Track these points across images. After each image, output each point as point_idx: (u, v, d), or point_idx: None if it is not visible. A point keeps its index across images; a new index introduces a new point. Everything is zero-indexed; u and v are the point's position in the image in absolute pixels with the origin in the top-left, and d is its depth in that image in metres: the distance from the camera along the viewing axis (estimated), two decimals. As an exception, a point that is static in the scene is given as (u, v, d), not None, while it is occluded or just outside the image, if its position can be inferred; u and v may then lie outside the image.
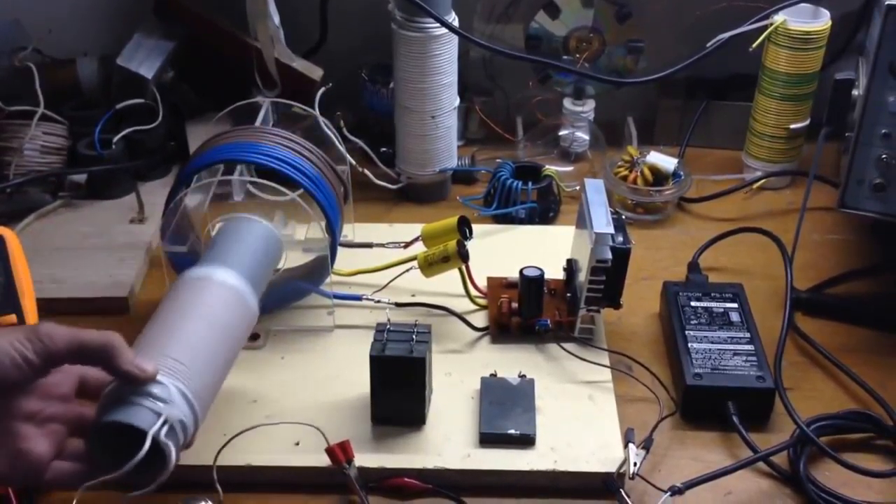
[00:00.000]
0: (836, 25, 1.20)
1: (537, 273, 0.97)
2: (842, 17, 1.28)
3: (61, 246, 1.13)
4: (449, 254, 0.98)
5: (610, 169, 1.22)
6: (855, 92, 1.08)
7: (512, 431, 0.87)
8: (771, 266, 1.08)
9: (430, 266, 0.99)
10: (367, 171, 1.22)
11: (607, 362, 0.96)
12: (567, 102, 1.33)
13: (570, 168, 1.29)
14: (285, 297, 1.01)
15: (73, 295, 1.05)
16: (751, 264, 1.12)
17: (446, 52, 1.15)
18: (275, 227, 0.94)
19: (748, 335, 0.96)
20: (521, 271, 0.98)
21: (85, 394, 0.75)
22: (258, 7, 1.21)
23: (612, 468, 0.85)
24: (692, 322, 0.98)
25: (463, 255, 0.98)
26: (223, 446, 0.85)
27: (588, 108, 1.33)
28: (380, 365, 0.86)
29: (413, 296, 1.03)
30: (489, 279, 1.04)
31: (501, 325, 1.00)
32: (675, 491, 0.82)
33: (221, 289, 0.82)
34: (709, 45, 1.21)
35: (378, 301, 1.01)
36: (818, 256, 1.13)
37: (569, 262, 1.02)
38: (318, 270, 1.00)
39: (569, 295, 1.00)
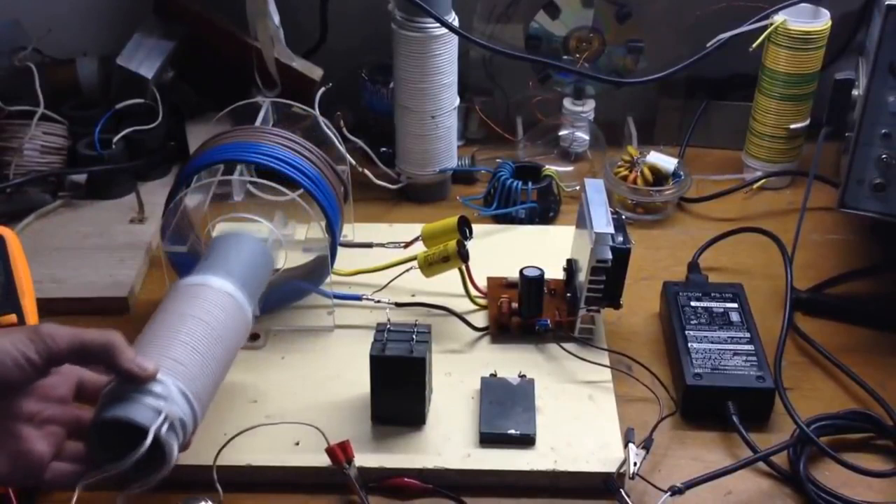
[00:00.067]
0: (836, 25, 1.20)
1: (537, 273, 0.97)
2: (842, 17, 1.28)
3: (61, 246, 1.13)
4: (449, 254, 0.97)
5: (610, 169, 1.22)
6: (855, 92, 1.08)
7: (512, 431, 0.87)
8: (771, 266, 1.08)
9: (430, 266, 0.99)
10: (367, 171, 1.22)
11: (607, 362, 0.96)
12: (567, 102, 1.33)
13: (570, 168, 1.29)
14: (285, 297, 1.01)
15: (73, 295, 1.05)
16: (751, 264, 1.12)
17: (446, 52, 1.15)
18: (266, 239, 0.94)
19: (748, 335, 0.96)
20: (521, 271, 0.98)
21: (82, 397, 0.75)
22: (258, 7, 1.21)
23: (612, 468, 0.85)
24: (692, 322, 0.98)
25: (463, 255, 0.98)
26: (223, 446, 0.85)
27: (588, 108, 1.33)
28: (380, 365, 0.86)
29: (413, 296, 1.03)
30: (489, 279, 1.04)
31: (501, 325, 1.00)
32: (675, 491, 0.82)
33: (218, 294, 0.83)
34: (709, 45, 1.21)
35: (378, 301, 1.01)
36: (818, 256, 1.13)
37: (569, 262, 1.02)
38: (318, 270, 1.00)
39: (569, 295, 1.00)
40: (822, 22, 1.18)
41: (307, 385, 0.93)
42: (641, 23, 1.31)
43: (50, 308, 0.93)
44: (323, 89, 1.15)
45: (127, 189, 1.22)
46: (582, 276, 0.95)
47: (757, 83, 1.24)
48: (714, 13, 1.27)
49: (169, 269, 0.96)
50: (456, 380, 0.94)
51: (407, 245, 1.04)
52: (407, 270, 1.01)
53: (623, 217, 0.97)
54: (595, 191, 0.97)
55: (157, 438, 0.70)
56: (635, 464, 0.82)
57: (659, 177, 1.21)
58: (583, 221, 0.96)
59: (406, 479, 0.84)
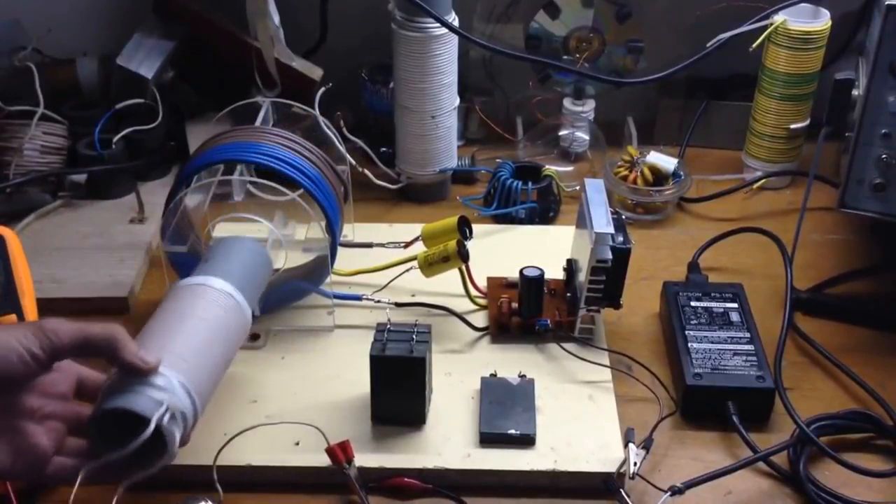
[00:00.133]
0: (836, 25, 1.20)
1: (537, 273, 0.97)
2: (842, 17, 1.28)
3: (61, 246, 1.13)
4: (449, 254, 0.97)
5: (610, 169, 1.22)
6: (855, 92, 1.08)
7: (512, 431, 0.87)
8: (771, 266, 1.08)
9: (430, 266, 0.99)
10: (367, 171, 1.22)
11: (607, 362, 0.96)
12: (567, 102, 1.33)
13: (570, 168, 1.29)
14: (285, 297, 1.01)
15: (73, 295, 1.05)
16: (751, 264, 1.12)
17: (446, 52, 1.15)
18: (266, 239, 0.94)
19: (748, 335, 0.96)
20: (521, 271, 0.98)
21: (82, 395, 0.76)
22: (258, 7, 1.21)
23: (612, 468, 0.85)
24: (692, 322, 0.98)
25: (463, 255, 0.98)
26: (223, 446, 0.85)
27: (588, 108, 1.33)
28: (380, 365, 0.86)
29: (413, 296, 1.03)
30: (489, 279, 1.04)
31: (501, 325, 1.00)
32: (675, 491, 0.82)
33: (219, 294, 0.83)
34: (709, 45, 1.21)
35: (378, 301, 1.01)
36: (818, 256, 1.13)
37: (569, 262, 1.02)
38: (318, 270, 1.00)
39: (569, 295, 1.00)
40: (822, 22, 1.18)
41: (307, 385, 0.93)
42: (641, 23, 1.31)
43: (50, 308, 0.93)
44: (323, 89, 1.15)
45: (127, 189, 1.22)
46: (582, 276, 0.95)
47: (757, 83, 1.24)
48: (714, 13, 1.27)
49: (169, 269, 0.96)
50: (456, 380, 0.94)
51: (407, 245, 1.04)
52: (407, 270, 1.01)
53: (623, 217, 0.97)
54: (595, 191, 0.97)
55: (158, 429, 0.70)
56: (635, 464, 0.82)
57: (659, 177, 1.21)
58: (583, 221, 0.96)
59: (406, 479, 0.84)
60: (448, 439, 0.88)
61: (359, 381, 0.89)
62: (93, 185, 1.23)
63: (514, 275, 1.00)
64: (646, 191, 1.20)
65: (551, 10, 1.30)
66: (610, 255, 0.92)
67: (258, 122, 1.12)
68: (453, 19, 1.14)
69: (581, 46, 1.32)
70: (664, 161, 1.21)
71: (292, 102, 1.16)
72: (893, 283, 1.09)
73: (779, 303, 1.02)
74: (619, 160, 1.23)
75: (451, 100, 1.19)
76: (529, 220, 1.19)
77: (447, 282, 1.01)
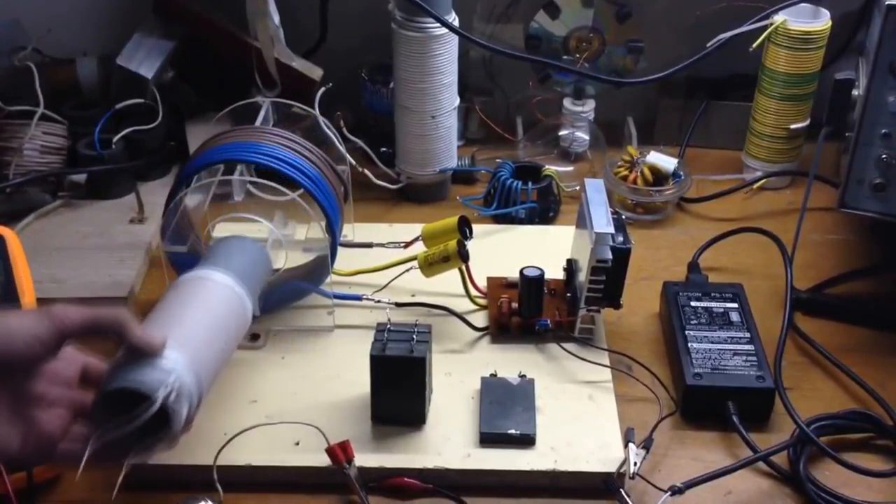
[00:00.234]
0: (836, 25, 1.20)
1: (537, 273, 0.97)
2: (842, 17, 1.28)
3: (61, 246, 1.13)
4: (449, 254, 0.97)
5: (610, 169, 1.22)
6: (855, 92, 1.08)
7: (512, 431, 0.87)
8: (771, 266, 1.08)
9: (430, 266, 0.99)
10: (367, 171, 1.22)
11: (607, 362, 0.96)
12: (567, 102, 1.33)
13: (570, 168, 1.29)
14: (285, 297, 1.01)
15: (73, 295, 1.05)
16: (751, 264, 1.12)
17: (446, 52, 1.15)
18: (266, 239, 0.94)
19: (748, 335, 0.96)
20: (521, 271, 0.98)
21: (87, 383, 0.76)
22: (258, 7, 1.21)
23: (612, 468, 0.85)
24: (692, 322, 0.98)
25: (463, 255, 0.98)
26: (223, 446, 0.85)
27: (588, 108, 1.33)
28: (380, 365, 0.86)
29: (413, 296, 1.03)
30: (489, 279, 1.04)
31: (501, 325, 1.00)
32: (675, 491, 0.82)
33: (221, 287, 0.84)
34: (709, 45, 1.21)
35: (378, 301, 1.01)
36: (818, 256, 1.13)
37: (569, 262, 1.02)
38: (318, 270, 1.00)
39: (569, 295, 1.00)
40: (822, 22, 1.18)
41: (307, 385, 0.93)
42: (641, 23, 1.31)
43: (50, 308, 0.93)
44: (323, 89, 1.15)
45: (127, 189, 1.22)
46: (582, 276, 0.95)
47: (757, 83, 1.24)
48: (714, 13, 1.27)
49: (169, 269, 0.96)
50: (456, 380, 0.94)
51: (407, 245, 1.04)
52: (407, 270, 1.01)
53: (623, 217, 0.97)
54: (595, 191, 0.97)
55: (163, 410, 0.70)
56: (635, 464, 0.82)
57: (659, 177, 1.21)
58: (583, 221, 0.96)
59: (406, 479, 0.84)
60: (448, 439, 0.88)
61: (359, 381, 0.89)
62: (93, 185, 1.23)
63: (514, 275, 1.00)
64: (646, 191, 1.20)
65: (551, 10, 1.30)
66: (610, 255, 0.92)
67: (258, 122, 1.12)
68: (453, 19, 1.14)
69: (581, 46, 1.32)
70: (664, 161, 1.21)
71: (292, 102, 1.16)
72: (893, 283, 1.09)
73: (779, 303, 1.02)
74: (619, 160, 1.23)
75: (451, 100, 1.19)
76: (529, 220, 1.19)
77: (447, 282, 1.01)
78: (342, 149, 1.11)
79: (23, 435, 0.71)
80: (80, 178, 1.24)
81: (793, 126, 1.23)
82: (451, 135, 1.23)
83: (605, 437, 0.88)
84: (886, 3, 0.93)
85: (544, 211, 1.20)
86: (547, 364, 0.96)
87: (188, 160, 0.99)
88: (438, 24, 1.12)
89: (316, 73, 1.28)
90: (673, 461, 0.88)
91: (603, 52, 1.32)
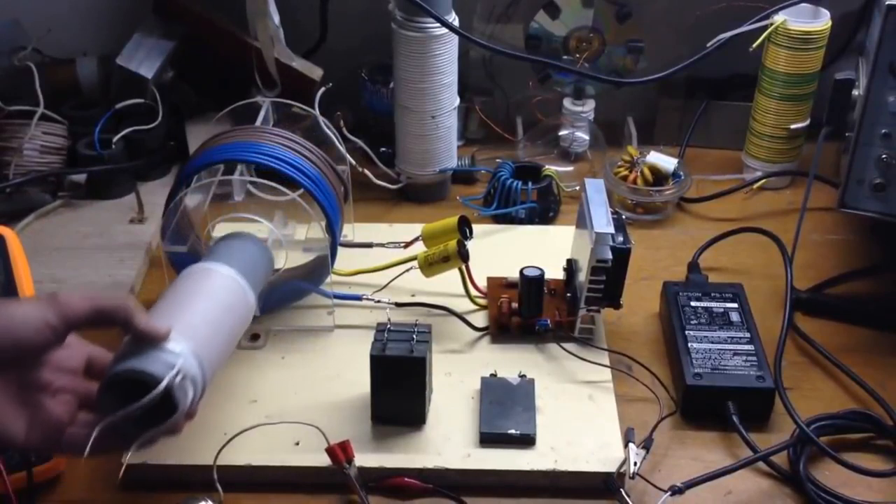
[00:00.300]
0: (836, 25, 1.20)
1: (537, 273, 0.97)
2: (842, 17, 1.28)
3: (61, 246, 1.13)
4: (449, 254, 0.97)
5: (610, 169, 1.22)
6: (855, 92, 1.08)
7: (512, 431, 0.87)
8: (771, 266, 1.08)
9: (430, 266, 0.99)
10: (367, 171, 1.22)
11: (607, 362, 0.96)
12: (567, 102, 1.33)
13: (570, 168, 1.29)
14: (285, 297, 1.01)
15: (73, 295, 1.05)
16: (751, 264, 1.12)
17: (446, 52, 1.15)
18: (266, 239, 0.94)
19: (748, 335, 0.96)
20: (521, 271, 0.98)
21: (92, 373, 0.76)
22: (258, 7, 1.21)
23: (613, 468, 0.85)
24: (692, 322, 0.98)
25: (463, 255, 0.98)
26: (223, 446, 0.85)
27: (588, 108, 1.33)
28: (380, 365, 0.86)
29: (413, 296, 1.03)
30: (489, 279, 1.04)
31: (501, 325, 1.00)
32: (676, 491, 0.82)
33: (225, 279, 0.84)
34: (709, 45, 1.21)
35: (378, 301, 1.01)
36: (818, 256, 1.13)
37: (569, 262, 1.02)
38: (318, 270, 1.00)
39: (569, 295, 1.00)
40: (822, 22, 1.18)
41: (307, 385, 0.93)
42: (641, 23, 1.31)
43: (50, 308, 0.93)
44: (323, 89, 1.15)
45: (127, 189, 1.22)
46: (582, 276, 0.95)
47: (757, 83, 1.24)
48: (714, 13, 1.27)
49: (169, 268, 0.96)
50: (456, 380, 0.94)
51: (407, 245, 1.04)
52: (407, 270, 1.01)
53: (623, 217, 0.97)
54: (595, 191, 0.97)
55: (168, 395, 0.71)
56: (635, 463, 0.82)
57: (659, 177, 1.21)
58: (583, 221, 0.96)
59: (406, 479, 0.84)
60: (448, 439, 0.88)
61: (359, 381, 0.89)
62: (93, 185, 1.23)
63: (514, 275, 1.00)
64: (646, 191, 1.20)
65: (551, 10, 1.30)
66: (610, 255, 0.92)
67: (258, 122, 1.12)
68: (453, 19, 1.14)
69: (581, 46, 1.32)
70: (664, 161, 1.21)
71: (292, 102, 1.16)
72: (893, 283, 1.09)
73: (779, 303, 1.02)
74: (619, 160, 1.23)
75: (451, 100, 1.19)
76: (529, 220, 1.19)
77: (447, 282, 1.01)
78: (342, 149, 1.11)
79: (29, 422, 0.71)
80: (80, 178, 1.24)
81: (793, 126, 1.23)
82: (451, 135, 1.23)
83: (605, 437, 0.88)
84: (886, 3, 0.93)
85: (544, 211, 1.20)
86: (547, 364, 0.96)
87: (188, 160, 0.99)
88: (438, 24, 1.12)
89: (316, 73, 1.28)
90: (673, 461, 0.88)
91: (603, 52, 1.32)
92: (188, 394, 0.73)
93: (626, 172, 1.21)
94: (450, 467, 0.85)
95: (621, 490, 0.83)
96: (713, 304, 1.00)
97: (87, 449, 0.71)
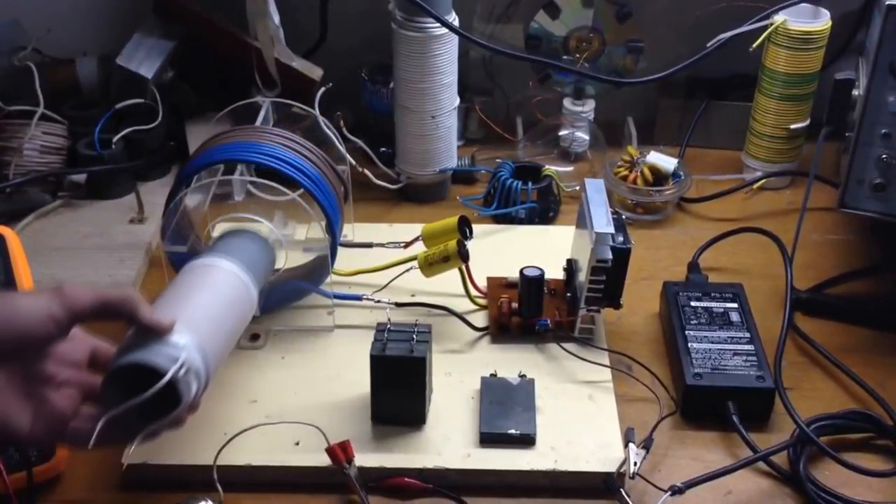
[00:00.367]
0: (836, 25, 1.20)
1: (537, 273, 0.97)
2: (842, 17, 1.28)
3: (61, 246, 1.13)
4: (449, 254, 0.97)
5: (610, 169, 1.22)
6: (855, 92, 1.08)
7: (512, 431, 0.87)
8: (771, 266, 1.08)
9: (430, 266, 0.99)
10: (367, 171, 1.22)
11: (607, 362, 0.96)
12: (567, 102, 1.33)
13: (570, 168, 1.29)
14: (285, 297, 1.01)
15: (73, 295, 1.05)
16: (751, 264, 1.12)
17: (446, 52, 1.15)
18: (270, 234, 0.95)
19: (748, 335, 0.96)
20: (521, 271, 0.98)
21: (95, 366, 0.77)
22: (258, 7, 1.21)
23: (613, 468, 0.85)
24: (692, 322, 0.98)
25: (463, 255, 0.98)
26: (223, 446, 0.85)
27: (588, 108, 1.33)
28: (380, 365, 0.86)
29: (413, 296, 1.03)
30: (489, 279, 1.04)
31: (501, 325, 1.00)
32: (676, 491, 0.82)
33: (228, 274, 0.84)
34: (709, 45, 1.21)
35: (378, 301, 1.01)
36: (818, 256, 1.13)
37: (569, 262, 1.02)
38: (318, 270, 1.00)
39: (569, 295, 1.00)
40: (822, 22, 1.18)
41: (307, 385, 0.93)
42: (641, 23, 1.31)
43: (50, 308, 0.93)
44: (323, 89, 1.15)
45: (127, 189, 1.22)
46: (582, 276, 0.95)
47: (757, 83, 1.24)
48: (714, 13, 1.27)
49: (169, 268, 0.96)
50: (456, 380, 0.94)
51: (407, 245, 1.04)
52: (407, 270, 1.01)
53: (623, 217, 0.97)
54: (595, 191, 0.97)
55: (172, 388, 0.71)
56: (635, 463, 0.82)
57: (659, 177, 1.21)
58: (583, 221, 0.96)
59: (406, 479, 0.84)
60: (448, 439, 0.88)
61: (359, 381, 0.89)
62: (93, 185, 1.23)
63: (514, 275, 1.00)
64: (646, 191, 1.20)
65: (551, 10, 1.30)
66: (610, 255, 0.92)
67: (258, 122, 1.13)
68: (453, 19, 1.14)
69: (581, 46, 1.32)
70: (664, 161, 1.21)
71: (292, 102, 1.16)
72: (893, 283, 1.09)
73: (779, 303, 1.02)
74: (619, 160, 1.23)
75: (451, 100, 1.19)
76: (529, 220, 1.19)
77: (447, 282, 1.01)
78: (342, 149, 1.11)
79: (33, 414, 0.71)
80: (80, 178, 1.24)
81: (793, 126, 1.23)
82: (451, 135, 1.23)
83: (605, 437, 0.88)
84: (886, 3, 0.93)
85: (544, 211, 1.20)
86: (547, 364, 0.96)
87: (188, 160, 0.99)
88: (438, 24, 1.12)
89: (316, 73, 1.28)
90: (673, 461, 0.88)
91: (603, 52, 1.32)
92: (192, 387, 0.73)
93: (626, 172, 1.21)
94: (450, 467, 0.85)
95: (621, 490, 0.83)
96: (713, 304, 1.00)
97: (92, 441, 0.71)
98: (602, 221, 0.92)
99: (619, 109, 1.36)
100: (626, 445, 0.84)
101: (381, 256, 1.04)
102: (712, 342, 0.95)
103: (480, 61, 1.36)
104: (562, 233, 1.10)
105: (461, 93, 1.22)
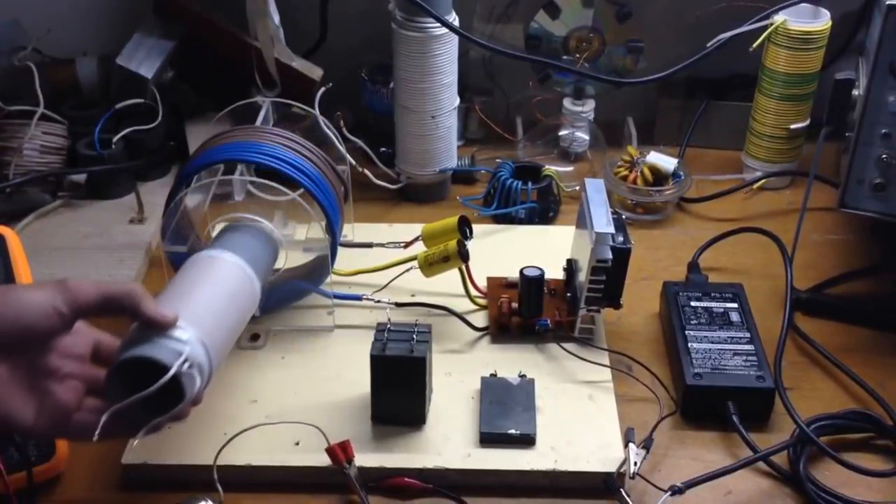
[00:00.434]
0: (836, 25, 1.20)
1: (537, 273, 0.97)
2: (842, 17, 1.28)
3: (61, 246, 1.13)
4: (449, 254, 0.97)
5: (610, 169, 1.22)
6: (855, 92, 1.08)
7: (512, 431, 0.87)
8: (771, 266, 1.08)
9: (430, 266, 0.99)
10: (367, 171, 1.22)
11: (607, 362, 0.96)
12: (567, 102, 1.33)
13: (570, 168, 1.29)
14: (285, 297, 1.01)
15: (73, 295, 1.05)
16: (751, 264, 1.12)
17: (446, 52, 1.15)
18: (273, 229, 0.95)
19: (748, 335, 0.96)
20: (521, 271, 0.98)
21: (99, 359, 0.77)
22: (258, 7, 1.21)
23: (613, 468, 0.85)
24: (692, 322, 0.98)
25: (463, 255, 0.98)
26: (223, 446, 0.85)
27: (588, 108, 1.33)
28: (380, 365, 0.86)
29: (413, 296, 1.03)
30: (489, 279, 1.04)
31: (501, 325, 1.00)
32: (676, 491, 0.82)
33: (231, 266, 0.85)
34: (709, 45, 1.21)
35: (378, 301, 1.01)
36: (818, 256, 1.13)
37: (569, 262, 1.02)
38: (318, 270, 1.00)
39: (569, 295, 1.00)
40: (822, 22, 1.18)
41: (307, 385, 0.93)
42: (641, 23, 1.31)
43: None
44: (323, 89, 1.15)
45: (127, 189, 1.22)
46: (582, 276, 0.95)
47: (757, 83, 1.24)
48: (714, 13, 1.27)
49: (169, 268, 0.96)
50: (456, 380, 0.94)
51: (407, 245, 1.04)
52: (407, 270, 1.01)
53: (623, 217, 0.97)
54: (595, 191, 0.97)
55: (175, 383, 0.71)
56: (635, 463, 0.82)
57: (659, 177, 1.21)
58: (583, 221, 0.96)
59: (406, 479, 0.84)
60: (448, 439, 0.88)
61: (359, 381, 0.89)
62: (93, 185, 1.23)
63: (514, 275, 1.00)
64: (646, 191, 1.20)
65: (551, 10, 1.30)
66: (610, 255, 0.92)
67: (258, 122, 1.12)
68: (453, 19, 1.14)
69: (581, 46, 1.32)
70: (664, 161, 1.21)
71: (292, 102, 1.16)
72: (893, 283, 1.09)
73: (779, 303, 1.02)
74: (619, 160, 1.23)
75: (451, 100, 1.19)
76: (529, 220, 1.19)
77: (447, 282, 1.01)
78: (342, 149, 1.11)
79: (37, 407, 0.71)
80: (80, 178, 1.24)
81: (793, 126, 1.23)
82: (451, 135, 1.23)
83: (605, 437, 0.88)
84: (886, 3, 0.93)
85: (544, 211, 1.20)
86: (547, 364, 0.96)
87: (188, 160, 0.99)
88: (438, 24, 1.12)
89: (316, 73, 1.28)
90: (673, 461, 0.88)
91: (603, 52, 1.32)
92: (195, 381, 0.73)
93: (626, 172, 1.21)
94: (450, 467, 0.85)
95: (621, 490, 0.83)
96: (713, 304, 1.00)
97: (96, 434, 0.71)
98: (602, 221, 0.92)
99: (619, 109, 1.36)
100: (626, 445, 0.84)
101: (381, 256, 1.04)
102: (712, 342, 0.95)
103: (480, 61, 1.36)
104: (562, 233, 1.10)
105: (461, 93, 1.22)
